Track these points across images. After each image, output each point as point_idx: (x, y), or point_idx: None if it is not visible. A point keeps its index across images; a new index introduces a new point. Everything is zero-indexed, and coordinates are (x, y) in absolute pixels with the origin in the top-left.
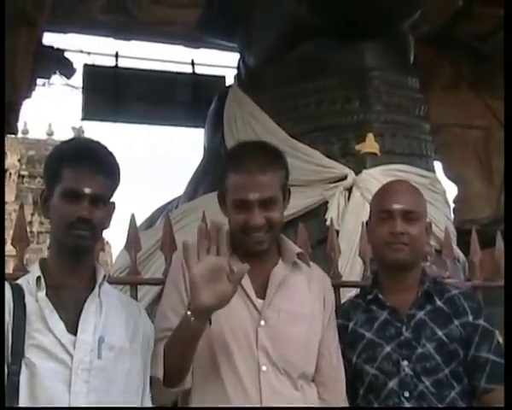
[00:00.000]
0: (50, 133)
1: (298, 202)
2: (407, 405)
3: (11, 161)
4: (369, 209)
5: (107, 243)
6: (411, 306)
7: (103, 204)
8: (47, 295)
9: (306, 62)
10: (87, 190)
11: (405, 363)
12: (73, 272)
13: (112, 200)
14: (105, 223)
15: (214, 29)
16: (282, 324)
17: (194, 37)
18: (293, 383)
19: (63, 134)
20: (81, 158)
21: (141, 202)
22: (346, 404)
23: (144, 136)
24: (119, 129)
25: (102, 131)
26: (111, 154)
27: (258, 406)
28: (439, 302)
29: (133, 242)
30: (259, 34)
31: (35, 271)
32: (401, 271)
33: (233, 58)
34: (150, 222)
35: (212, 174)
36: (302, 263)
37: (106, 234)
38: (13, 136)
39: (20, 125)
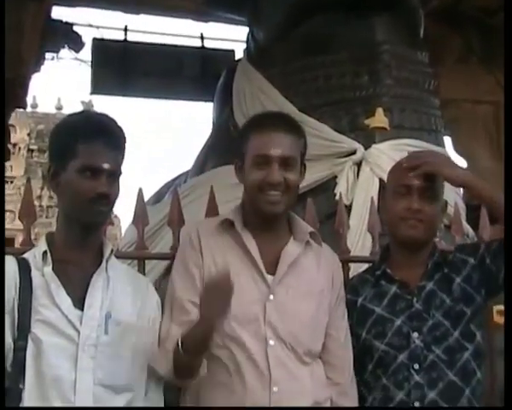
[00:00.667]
0: (59, 107)
1: (307, 177)
2: (416, 377)
3: (20, 135)
4: (378, 184)
5: (116, 216)
6: (421, 278)
7: (118, 178)
8: (53, 269)
9: (315, 37)
10: (106, 166)
11: (415, 335)
12: (81, 247)
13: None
14: (117, 197)
15: (222, 3)
16: (290, 300)
17: (203, 11)
18: (299, 358)
19: (72, 108)
20: (96, 133)
21: (149, 176)
22: (353, 383)
23: (153, 109)
24: (128, 102)
25: (111, 104)
26: (121, 127)
27: (268, 384)
28: (446, 270)
29: (140, 216)
30: (268, 9)
31: (41, 245)
32: (414, 247)
33: (242, 32)
34: (158, 197)
35: (221, 149)
36: (314, 242)
37: (115, 208)
38: (22, 110)
39: (30, 100)
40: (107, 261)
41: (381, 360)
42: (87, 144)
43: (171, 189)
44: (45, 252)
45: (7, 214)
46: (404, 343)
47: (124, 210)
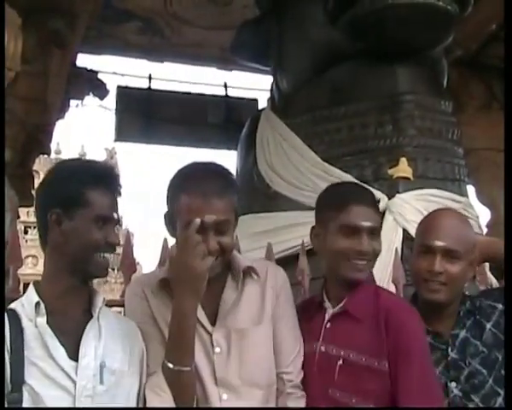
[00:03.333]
0: (83, 154)
1: None
2: None
3: None
4: (401, 234)
5: (138, 263)
6: (454, 326)
7: (118, 225)
8: (47, 320)
9: (339, 86)
10: (115, 215)
11: (453, 384)
12: (73, 298)
13: None
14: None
15: (247, 52)
16: (237, 347)
17: (226, 59)
18: (255, 397)
19: (96, 155)
20: (105, 181)
21: None
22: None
23: (178, 158)
24: (154, 150)
25: (134, 152)
26: (119, 175)
27: None
28: (477, 316)
29: (128, 263)
30: (292, 57)
31: (32, 295)
32: (438, 308)
33: (266, 81)
34: None
35: (244, 197)
36: (253, 274)
37: (137, 255)
38: (46, 156)
39: (53, 146)
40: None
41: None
42: (97, 193)
43: None
44: (38, 303)
45: (29, 259)
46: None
47: (145, 257)
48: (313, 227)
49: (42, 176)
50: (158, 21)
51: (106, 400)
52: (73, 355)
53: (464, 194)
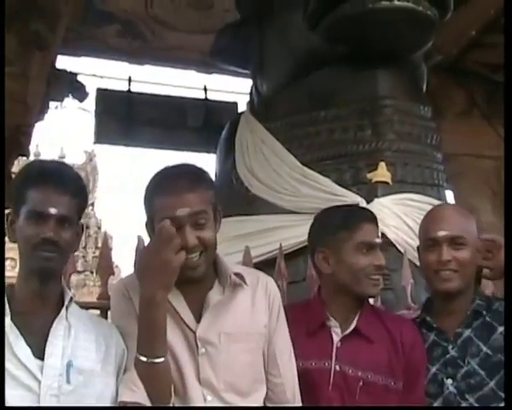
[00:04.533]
0: (62, 156)
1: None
2: None
3: None
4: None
5: (117, 266)
6: (459, 325)
7: (69, 225)
8: (12, 320)
9: (318, 90)
10: (52, 211)
11: (449, 382)
12: (40, 296)
13: (80, 221)
14: (73, 245)
15: (227, 56)
16: (223, 348)
17: (206, 62)
18: (239, 401)
19: (75, 157)
20: (46, 179)
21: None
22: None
23: (158, 160)
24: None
25: (114, 154)
26: (77, 174)
27: None
28: (487, 317)
29: (105, 266)
30: (272, 61)
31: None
32: (453, 296)
33: (245, 84)
34: None
35: (223, 201)
36: (240, 281)
37: (115, 257)
38: (25, 158)
39: (33, 148)
40: (66, 309)
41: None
42: (36, 189)
43: None
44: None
45: (7, 262)
46: (438, 391)
47: (124, 260)
48: (319, 251)
49: None
50: (138, 24)
51: (73, 400)
52: (40, 354)
53: (443, 199)
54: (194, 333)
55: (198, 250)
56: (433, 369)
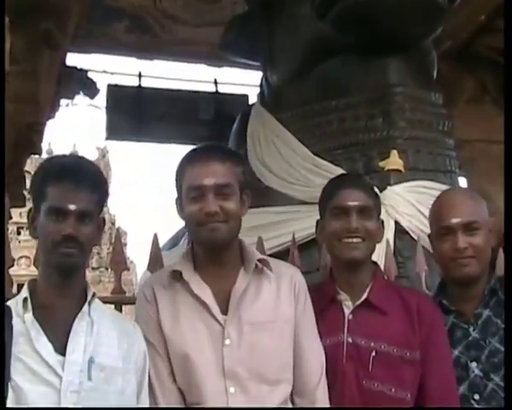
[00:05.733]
0: (75, 153)
1: None
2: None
3: None
4: (393, 226)
5: (132, 262)
6: (478, 305)
7: (90, 220)
8: (34, 315)
9: (329, 80)
10: (72, 207)
11: (474, 365)
12: (62, 292)
13: (101, 215)
14: (94, 239)
15: (237, 48)
16: (247, 339)
17: (216, 55)
18: (263, 393)
19: (87, 153)
20: (64, 174)
21: (167, 221)
22: (325, 393)
23: (170, 155)
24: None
25: (127, 150)
26: (97, 168)
27: None
28: (500, 294)
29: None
30: (282, 52)
31: (23, 292)
32: (471, 282)
33: (256, 76)
34: (174, 241)
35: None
36: (265, 268)
37: (130, 253)
38: (37, 156)
39: (45, 146)
40: (89, 305)
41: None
42: (55, 186)
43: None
44: (25, 299)
45: (22, 260)
46: (463, 374)
47: (139, 255)
48: (317, 225)
49: None
50: (147, 19)
51: (94, 396)
52: (62, 350)
53: (456, 185)
54: (221, 325)
55: (219, 219)
56: (456, 352)
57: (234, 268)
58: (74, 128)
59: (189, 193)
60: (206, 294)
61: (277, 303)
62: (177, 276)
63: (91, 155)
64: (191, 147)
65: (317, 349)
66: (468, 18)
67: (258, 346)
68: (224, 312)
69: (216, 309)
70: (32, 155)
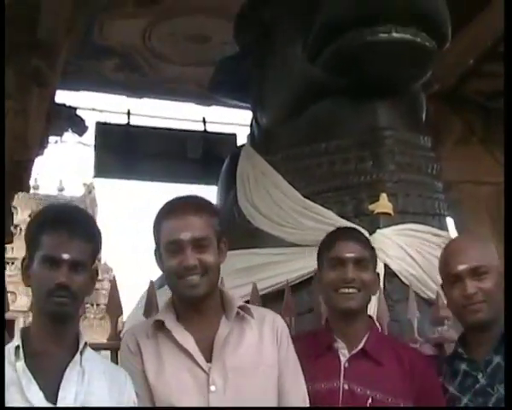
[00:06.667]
0: (61, 189)
1: (312, 262)
2: None
3: (22, 216)
4: (383, 269)
5: None
6: (489, 352)
7: (83, 269)
8: (26, 364)
9: (319, 122)
10: (65, 256)
11: None
12: (54, 340)
13: (94, 265)
14: (87, 289)
15: (226, 89)
16: (233, 385)
17: (205, 94)
18: None
19: (74, 190)
20: (59, 224)
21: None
22: None
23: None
24: (135, 186)
25: (115, 188)
26: (91, 218)
27: None
28: None
29: (113, 306)
30: (272, 94)
31: (15, 340)
32: (485, 327)
33: (244, 115)
34: (163, 281)
35: (226, 235)
36: (246, 315)
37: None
38: (24, 193)
39: (31, 181)
40: (81, 354)
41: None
42: (49, 235)
43: None
44: (18, 347)
45: (8, 296)
46: None
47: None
48: (316, 275)
49: (19, 211)
50: (136, 57)
51: None
52: (53, 399)
53: (444, 228)
54: (205, 372)
55: (198, 272)
56: (465, 399)
57: (215, 315)
58: (62, 165)
59: (167, 247)
60: (189, 342)
61: (260, 348)
62: (159, 326)
63: (78, 191)
64: (179, 185)
65: (301, 393)
66: (456, 62)
67: (243, 391)
68: (208, 359)
69: (200, 357)
70: (20, 193)
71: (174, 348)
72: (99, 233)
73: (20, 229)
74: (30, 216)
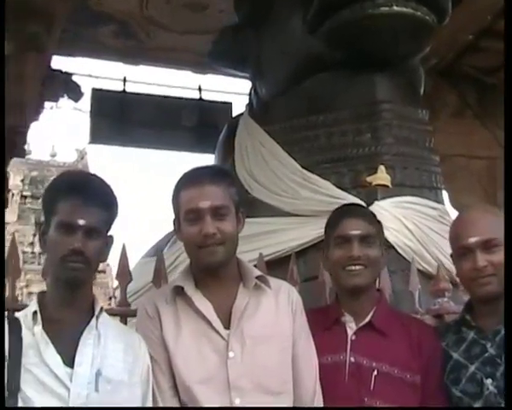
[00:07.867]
0: (53, 154)
1: (309, 232)
2: None
3: (14, 181)
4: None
5: (108, 264)
6: (498, 322)
7: (98, 236)
8: (43, 328)
9: (317, 95)
10: (80, 222)
11: (489, 381)
12: (70, 305)
13: (109, 232)
14: (101, 255)
15: (226, 59)
16: (250, 352)
17: (201, 63)
18: (267, 403)
19: (66, 156)
20: (75, 190)
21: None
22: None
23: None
24: (128, 153)
25: (109, 154)
26: (107, 186)
27: None
28: None
29: (123, 273)
30: (271, 65)
31: (32, 305)
32: (492, 300)
33: (240, 84)
34: (158, 248)
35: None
36: (264, 285)
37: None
38: (19, 158)
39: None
40: (97, 318)
41: (457, 407)
42: (65, 201)
43: (172, 239)
44: (35, 312)
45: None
46: (477, 391)
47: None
48: (322, 252)
49: (12, 176)
50: (133, 25)
51: (100, 407)
52: (70, 362)
53: (440, 201)
54: (224, 339)
55: (217, 240)
56: (472, 367)
57: (233, 284)
58: (55, 131)
59: (186, 216)
60: (208, 309)
61: (276, 318)
62: (178, 292)
63: (70, 157)
64: (173, 153)
65: (313, 363)
66: (454, 36)
67: (260, 359)
68: (226, 326)
69: (218, 324)
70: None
71: (193, 314)
72: (115, 201)
73: (12, 194)
74: (22, 181)
